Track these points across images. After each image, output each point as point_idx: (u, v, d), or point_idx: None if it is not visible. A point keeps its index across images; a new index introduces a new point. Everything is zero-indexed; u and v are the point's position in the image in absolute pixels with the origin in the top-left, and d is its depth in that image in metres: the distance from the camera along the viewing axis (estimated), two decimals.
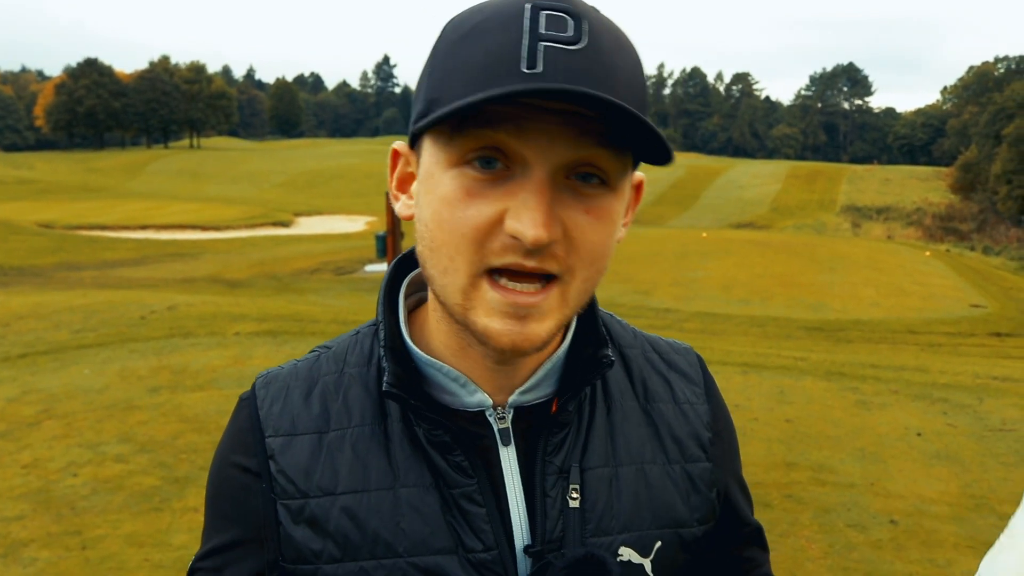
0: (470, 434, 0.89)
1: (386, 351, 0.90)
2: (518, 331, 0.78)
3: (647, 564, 0.91)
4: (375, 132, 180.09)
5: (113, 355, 8.80)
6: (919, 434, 6.56)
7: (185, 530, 4.60)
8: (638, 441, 0.94)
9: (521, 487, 0.89)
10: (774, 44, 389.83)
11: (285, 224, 46.30)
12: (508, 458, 0.89)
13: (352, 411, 0.91)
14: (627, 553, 0.90)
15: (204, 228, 40.99)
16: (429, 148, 0.81)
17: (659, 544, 0.92)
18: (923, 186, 67.89)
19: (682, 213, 60.16)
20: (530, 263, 0.76)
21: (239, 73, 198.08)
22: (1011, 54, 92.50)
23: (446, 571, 0.85)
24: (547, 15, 0.74)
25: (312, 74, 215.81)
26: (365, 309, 13.59)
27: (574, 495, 0.88)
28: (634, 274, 20.23)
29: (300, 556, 0.88)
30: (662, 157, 0.78)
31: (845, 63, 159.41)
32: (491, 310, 0.78)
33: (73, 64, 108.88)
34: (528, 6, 0.75)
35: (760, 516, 3.88)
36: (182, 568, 4.17)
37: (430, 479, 0.87)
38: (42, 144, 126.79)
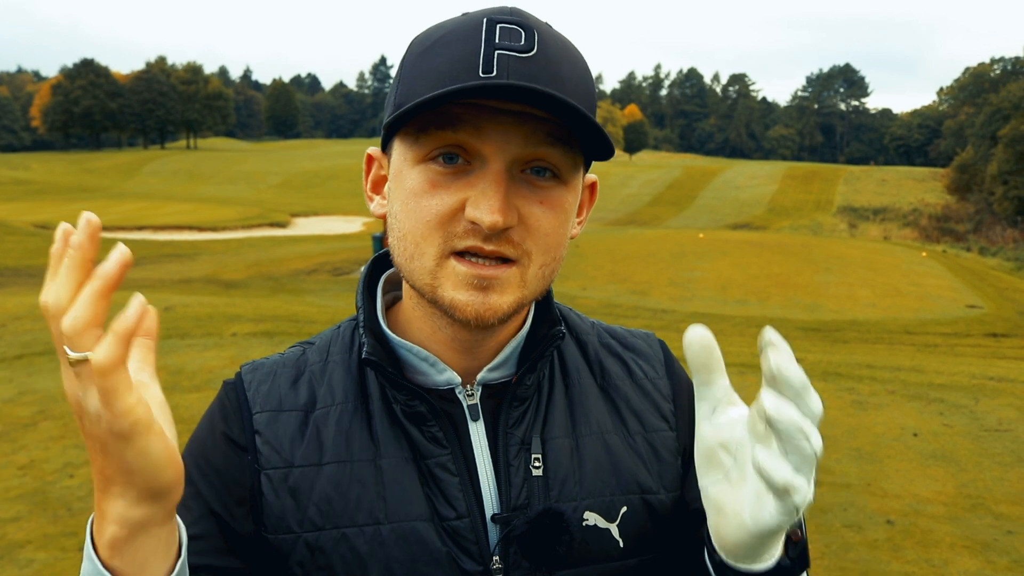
0: (442, 410, 0.96)
1: (365, 330, 0.97)
2: (481, 301, 0.85)
3: (614, 529, 0.96)
4: (372, 133, 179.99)
5: None
6: (915, 434, 6.57)
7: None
8: (597, 414, 1.01)
9: (490, 459, 0.95)
10: (771, 45, 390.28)
11: (282, 225, 46.27)
12: (477, 432, 0.96)
13: (335, 391, 0.99)
14: (592, 518, 0.95)
15: (200, 229, 40.93)
16: (398, 148, 0.90)
17: (625, 509, 0.97)
18: (919, 187, 68.01)
19: (679, 214, 60.16)
20: (489, 247, 0.84)
21: (236, 74, 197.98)
22: (1007, 55, 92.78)
23: (423, 537, 0.91)
24: (502, 28, 0.84)
25: (309, 75, 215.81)
26: None
27: (536, 464, 0.95)
28: (631, 274, 20.23)
29: (281, 526, 0.93)
30: (606, 153, 0.87)
31: (842, 64, 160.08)
32: (458, 283, 0.86)
33: (69, 65, 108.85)
34: (485, 20, 0.84)
35: None
36: None
37: (408, 451, 0.95)
38: (38, 145, 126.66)
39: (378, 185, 0.99)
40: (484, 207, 0.82)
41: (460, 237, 0.85)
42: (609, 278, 19.62)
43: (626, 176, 77.72)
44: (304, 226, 47.32)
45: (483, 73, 0.81)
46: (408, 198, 0.87)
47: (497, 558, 0.92)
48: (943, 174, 70.41)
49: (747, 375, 8.51)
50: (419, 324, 0.98)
